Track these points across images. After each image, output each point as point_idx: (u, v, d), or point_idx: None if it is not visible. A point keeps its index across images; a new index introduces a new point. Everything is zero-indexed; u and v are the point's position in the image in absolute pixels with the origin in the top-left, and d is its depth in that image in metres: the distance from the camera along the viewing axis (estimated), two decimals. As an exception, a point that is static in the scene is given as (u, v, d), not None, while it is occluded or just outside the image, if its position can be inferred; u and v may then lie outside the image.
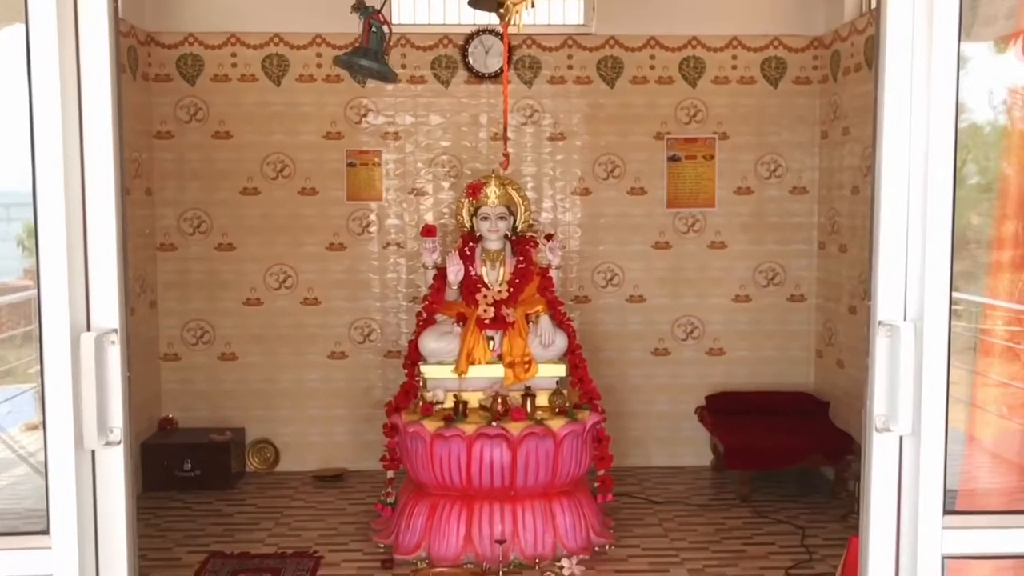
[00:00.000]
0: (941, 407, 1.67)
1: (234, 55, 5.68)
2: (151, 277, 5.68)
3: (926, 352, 1.69)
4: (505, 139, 4.71)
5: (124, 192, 1.64)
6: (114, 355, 1.66)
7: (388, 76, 3.82)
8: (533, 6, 3.54)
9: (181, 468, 5.45)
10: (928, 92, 1.67)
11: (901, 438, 1.74)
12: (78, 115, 1.59)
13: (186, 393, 5.82)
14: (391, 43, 3.85)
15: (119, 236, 1.64)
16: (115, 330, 1.65)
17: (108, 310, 1.66)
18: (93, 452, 1.66)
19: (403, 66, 5.72)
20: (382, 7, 3.78)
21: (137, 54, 5.47)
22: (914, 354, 1.70)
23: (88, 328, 1.66)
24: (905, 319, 1.73)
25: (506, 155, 4.71)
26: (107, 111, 1.60)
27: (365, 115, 5.75)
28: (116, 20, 1.60)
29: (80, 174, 1.61)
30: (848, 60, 5.41)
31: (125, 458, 1.69)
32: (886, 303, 1.74)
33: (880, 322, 1.74)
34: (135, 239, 5.44)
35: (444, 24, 5.80)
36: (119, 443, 1.67)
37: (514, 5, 3.31)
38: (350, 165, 5.77)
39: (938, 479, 1.68)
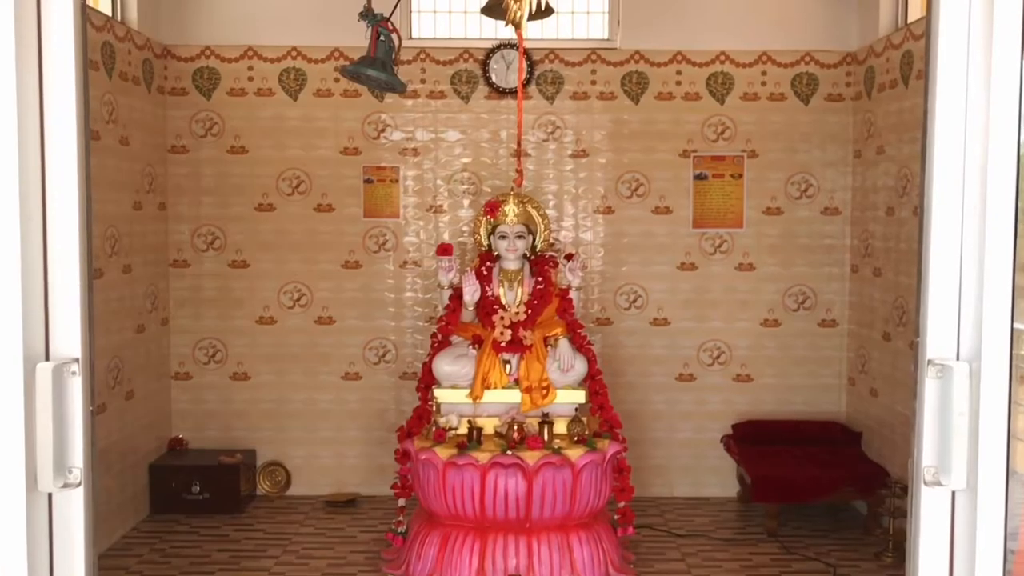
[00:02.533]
0: (1001, 459, 1.48)
1: (251, 68, 5.58)
2: (163, 294, 5.57)
3: (983, 396, 1.49)
4: (519, 153, 4.55)
5: (90, 211, 1.48)
6: (75, 387, 1.50)
7: (397, 86, 3.67)
8: (542, 10, 3.39)
9: (189, 491, 5.31)
10: (987, 105, 1.48)
11: (954, 493, 1.54)
12: (39, 110, 1.44)
13: (197, 413, 5.69)
14: (400, 52, 3.71)
15: (84, 254, 1.49)
16: (76, 359, 1.49)
17: (69, 337, 1.50)
18: (49, 495, 1.50)
19: (423, 80, 5.59)
20: (391, 15, 3.64)
21: (153, 67, 5.38)
22: (969, 398, 1.50)
23: (46, 357, 1.50)
24: (959, 358, 1.54)
25: (519, 171, 4.55)
26: (71, 105, 1.46)
27: (383, 130, 5.62)
28: (84, 8, 1.45)
29: (40, 182, 1.46)
30: (883, 76, 5.21)
31: (86, 502, 1.53)
32: (936, 340, 1.54)
33: (930, 361, 1.55)
34: (148, 255, 5.34)
35: (465, 38, 5.67)
36: (79, 485, 1.51)
37: (515, 1, 3.16)
38: (367, 181, 5.64)
39: (998, 540, 1.47)
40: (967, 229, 1.53)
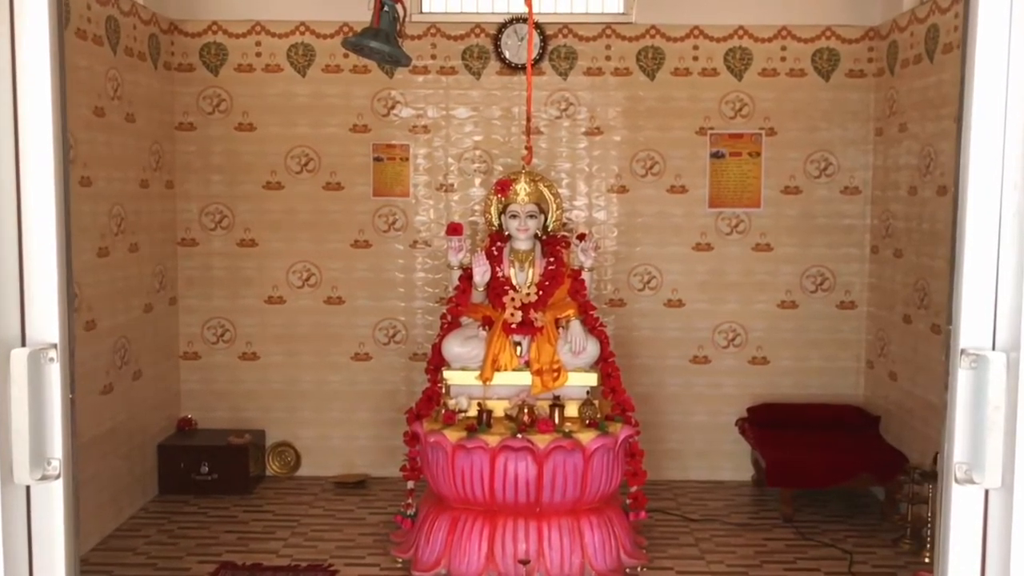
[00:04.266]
0: (1039, 456, 1.37)
1: (259, 44, 5.48)
2: (171, 273, 5.50)
3: (1021, 388, 1.39)
4: (528, 130, 4.43)
5: (68, 180, 1.40)
6: (53, 374, 1.42)
7: (401, 59, 3.56)
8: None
9: (198, 471, 5.27)
10: (1029, 72, 1.36)
11: (987, 492, 1.44)
12: (11, 83, 1.35)
13: (206, 393, 5.64)
14: (405, 24, 3.59)
15: (61, 233, 1.40)
16: (54, 345, 1.41)
17: (46, 321, 1.42)
18: (28, 488, 1.43)
19: (433, 56, 5.48)
20: (396, -16, 3.52)
21: (159, 42, 5.29)
22: (1005, 390, 1.40)
23: (22, 343, 1.42)
24: (994, 348, 1.43)
25: (529, 148, 4.44)
26: (47, 77, 1.37)
27: (393, 107, 5.51)
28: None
29: (13, 156, 1.37)
30: (907, 52, 5.05)
31: (66, 495, 1.45)
32: (971, 328, 1.44)
33: (963, 351, 1.44)
34: (156, 233, 5.27)
35: (476, 12, 5.54)
36: (58, 477, 1.43)
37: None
38: (377, 159, 5.54)
39: (1034, 543, 1.38)
40: (1006, 208, 1.42)
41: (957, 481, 1.44)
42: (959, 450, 1.45)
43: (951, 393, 1.46)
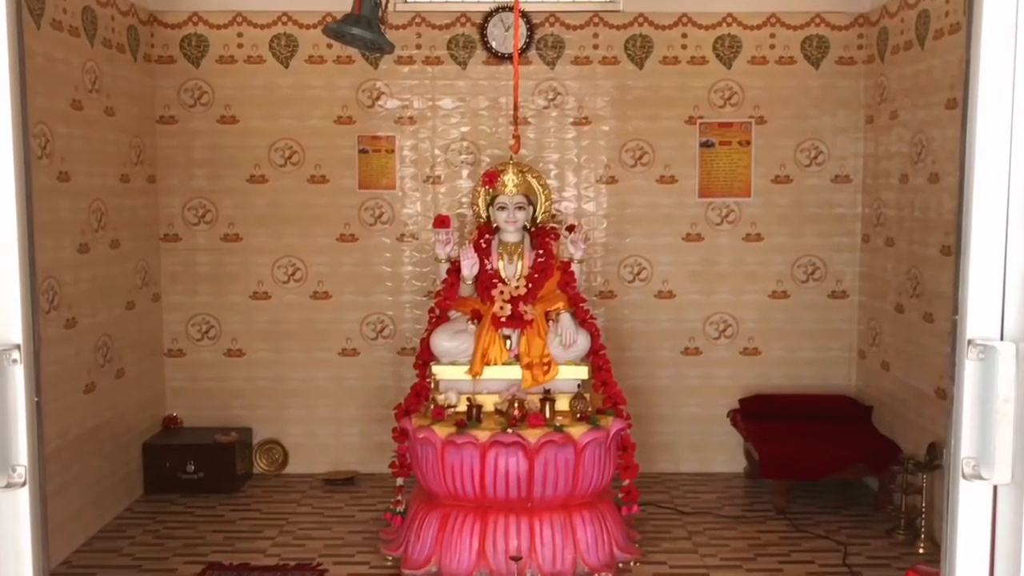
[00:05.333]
0: (1050, 450, 1.32)
1: (240, 35, 5.39)
2: (154, 269, 5.41)
3: (1031, 380, 1.33)
4: (516, 119, 4.35)
5: (29, 173, 1.32)
6: (16, 377, 1.35)
7: (384, 46, 3.48)
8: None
9: (184, 470, 5.19)
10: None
11: (996, 488, 1.38)
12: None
13: (191, 391, 5.56)
14: (387, 10, 3.51)
15: (23, 228, 1.33)
16: (17, 346, 1.34)
17: (9, 321, 1.35)
18: (-8, 496, 1.35)
19: (418, 46, 5.40)
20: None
21: (139, 34, 5.19)
22: (1015, 382, 1.35)
23: (-16, 344, 1.34)
24: (1003, 338, 1.38)
25: (516, 137, 4.36)
26: (3, 62, 1.29)
27: (378, 98, 5.43)
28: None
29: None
30: (897, 38, 5.00)
31: (33, 503, 1.38)
32: (978, 318, 1.38)
33: (970, 341, 1.39)
34: (137, 229, 5.18)
35: (462, 1, 5.45)
36: (23, 485, 1.36)
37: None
38: (362, 152, 5.46)
39: (1045, 541, 1.32)
40: (1014, 193, 1.36)
41: (965, 477, 1.39)
42: (967, 445, 1.39)
43: (957, 385, 1.41)
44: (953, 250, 1.42)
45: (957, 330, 1.41)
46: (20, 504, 1.37)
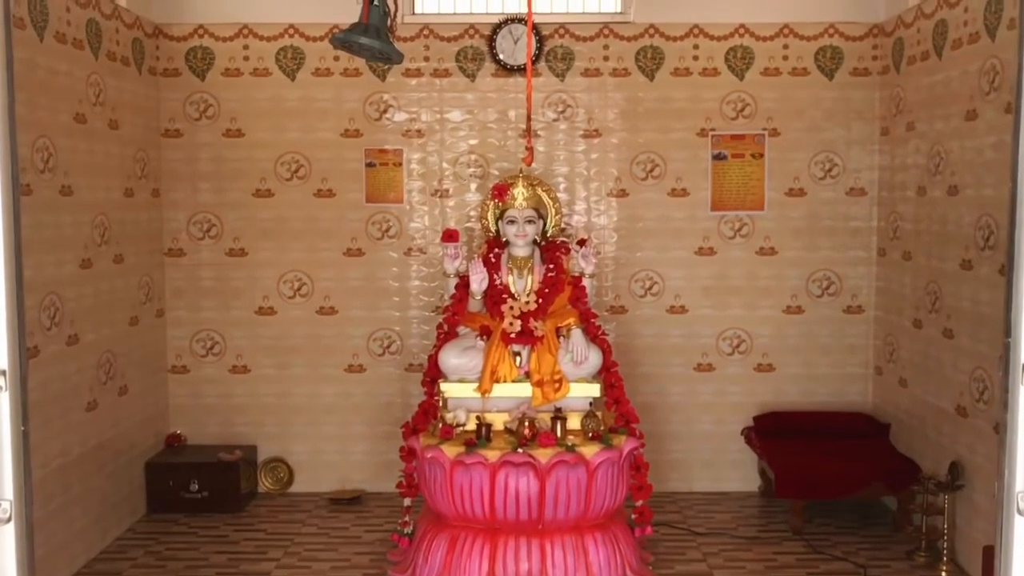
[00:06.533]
0: (1113, 484, 1.22)
1: (246, 48, 5.33)
2: (158, 284, 5.34)
3: (1091, 408, 1.23)
4: (529, 130, 4.26)
5: (16, 190, 1.24)
6: (2, 405, 1.26)
7: (393, 56, 3.40)
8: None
9: (187, 489, 5.10)
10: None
11: (1054, 524, 1.28)
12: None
13: (195, 408, 5.47)
14: (396, 19, 3.44)
15: (10, 250, 1.24)
16: (3, 372, 1.25)
17: (-6, 346, 1.26)
18: (-26, 532, 1.26)
19: (426, 58, 5.33)
20: (386, -22, 3.37)
21: (144, 47, 5.13)
22: (1074, 411, 1.25)
23: (-34, 370, 1.25)
24: (1060, 362, 1.28)
25: (529, 148, 4.27)
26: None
27: (385, 111, 5.36)
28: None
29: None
30: (913, 48, 4.91)
31: (19, 539, 1.29)
32: (1033, 340, 1.28)
33: (1024, 365, 1.29)
34: (141, 243, 5.11)
35: (470, 13, 5.40)
36: (8, 520, 1.27)
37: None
38: (369, 165, 5.39)
39: (1108, 582, 1.22)
40: (1071, 206, 1.27)
41: (1020, 512, 1.29)
42: (1021, 477, 1.29)
43: (1011, 413, 1.31)
44: (1006, 269, 1.32)
45: (1011, 354, 1.31)
46: (5, 541, 1.28)
